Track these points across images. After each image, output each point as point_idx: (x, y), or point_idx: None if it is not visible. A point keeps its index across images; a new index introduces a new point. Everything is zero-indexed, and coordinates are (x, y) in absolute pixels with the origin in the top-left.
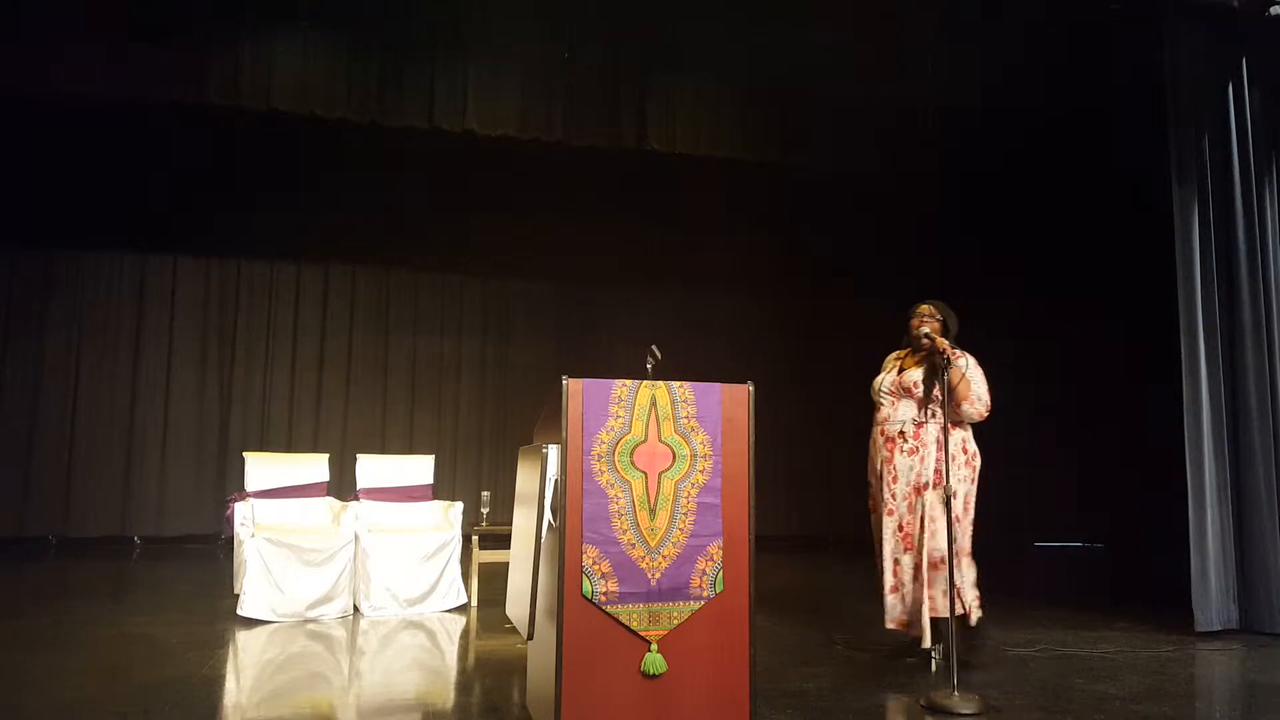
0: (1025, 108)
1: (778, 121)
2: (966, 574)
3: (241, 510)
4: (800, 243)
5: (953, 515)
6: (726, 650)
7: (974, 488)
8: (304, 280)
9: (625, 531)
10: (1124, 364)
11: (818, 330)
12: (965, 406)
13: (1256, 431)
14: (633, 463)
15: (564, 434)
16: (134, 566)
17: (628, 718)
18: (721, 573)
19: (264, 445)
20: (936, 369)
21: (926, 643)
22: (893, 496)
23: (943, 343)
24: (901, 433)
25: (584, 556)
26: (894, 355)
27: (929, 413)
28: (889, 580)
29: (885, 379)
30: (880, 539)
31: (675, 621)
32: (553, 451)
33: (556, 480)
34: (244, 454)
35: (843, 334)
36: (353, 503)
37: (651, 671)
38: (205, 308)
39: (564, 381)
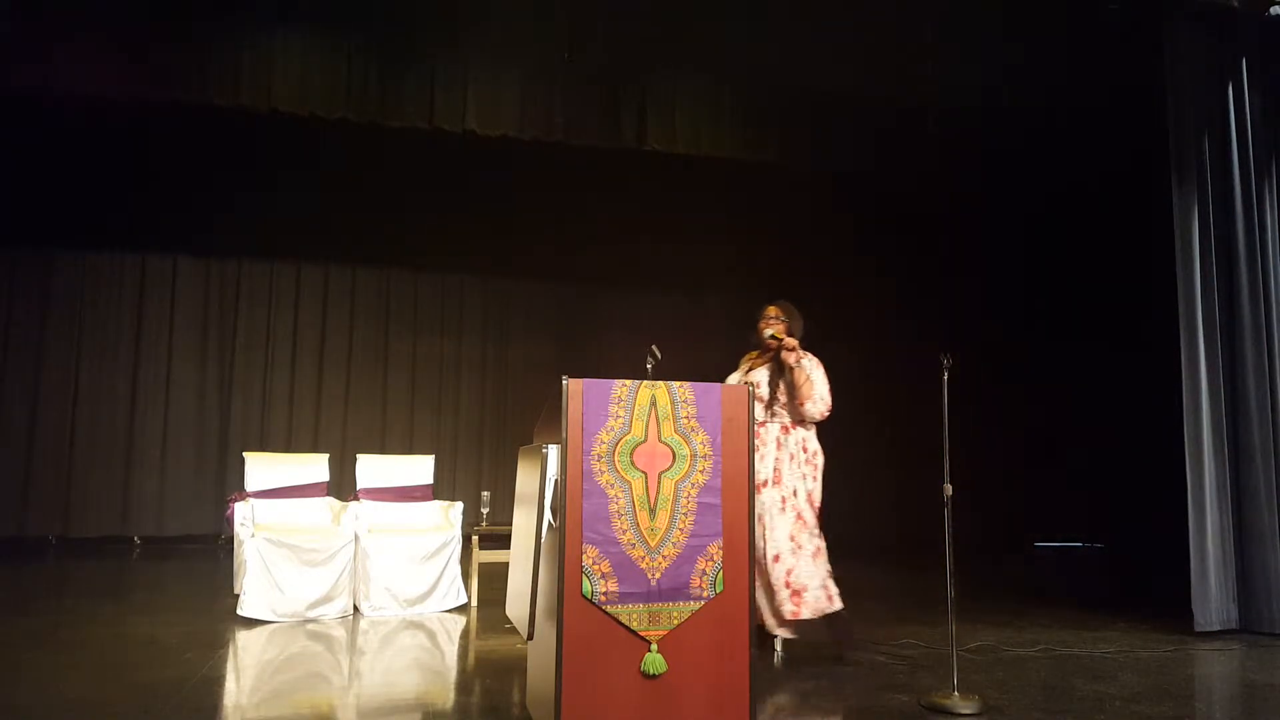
0: (1025, 108)
1: (778, 121)
2: (820, 568)
3: (241, 510)
4: (800, 243)
5: (798, 513)
6: (726, 650)
7: (817, 485)
8: (304, 280)
9: (625, 531)
10: (1124, 364)
11: (816, 330)
12: (808, 405)
13: (1256, 431)
14: (633, 463)
15: (564, 434)
16: (134, 566)
17: (628, 718)
18: (721, 573)
19: (264, 445)
20: (782, 369)
21: (777, 644)
22: None
23: (791, 341)
24: None
25: (584, 556)
26: (746, 356)
27: (770, 413)
28: None
29: (732, 378)
30: None
31: (675, 621)
32: (553, 451)
33: (556, 480)
34: (244, 454)
35: (842, 334)
36: (353, 503)
37: (651, 671)
38: (205, 308)
39: (564, 381)
